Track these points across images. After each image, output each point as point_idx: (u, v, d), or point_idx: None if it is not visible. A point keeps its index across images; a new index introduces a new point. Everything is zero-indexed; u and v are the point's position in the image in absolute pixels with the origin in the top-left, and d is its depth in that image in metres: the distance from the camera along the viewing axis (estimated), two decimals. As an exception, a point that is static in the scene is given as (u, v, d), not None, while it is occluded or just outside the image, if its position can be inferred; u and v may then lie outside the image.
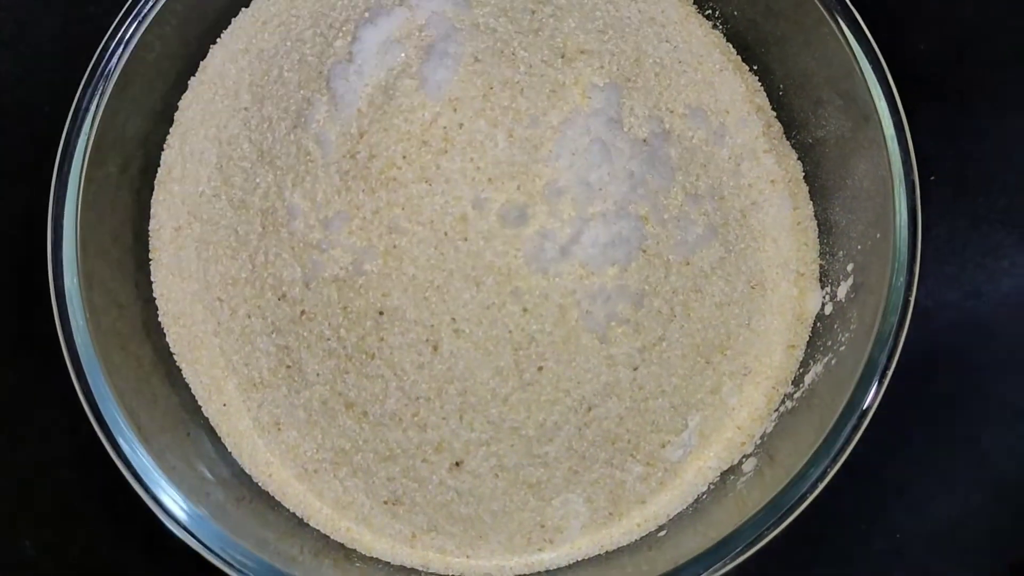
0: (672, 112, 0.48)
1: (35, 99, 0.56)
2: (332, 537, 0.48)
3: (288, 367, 0.47)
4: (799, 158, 0.51)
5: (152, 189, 0.50)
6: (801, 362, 0.49)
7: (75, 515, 0.55)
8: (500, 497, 0.47)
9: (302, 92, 0.47)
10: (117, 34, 0.45)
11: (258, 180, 0.48)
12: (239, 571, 0.43)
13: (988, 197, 0.57)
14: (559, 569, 0.49)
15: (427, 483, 0.47)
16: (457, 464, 0.46)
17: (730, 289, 0.48)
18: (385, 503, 0.47)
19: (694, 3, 0.51)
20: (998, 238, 0.57)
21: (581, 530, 0.48)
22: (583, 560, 0.49)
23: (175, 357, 0.49)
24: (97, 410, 0.44)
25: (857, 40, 0.45)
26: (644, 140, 0.47)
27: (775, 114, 0.51)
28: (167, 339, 0.49)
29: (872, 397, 0.43)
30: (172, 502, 0.44)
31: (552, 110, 0.46)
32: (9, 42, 0.57)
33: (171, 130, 0.50)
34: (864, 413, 0.44)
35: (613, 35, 0.48)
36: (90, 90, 0.45)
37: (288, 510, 0.48)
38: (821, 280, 0.50)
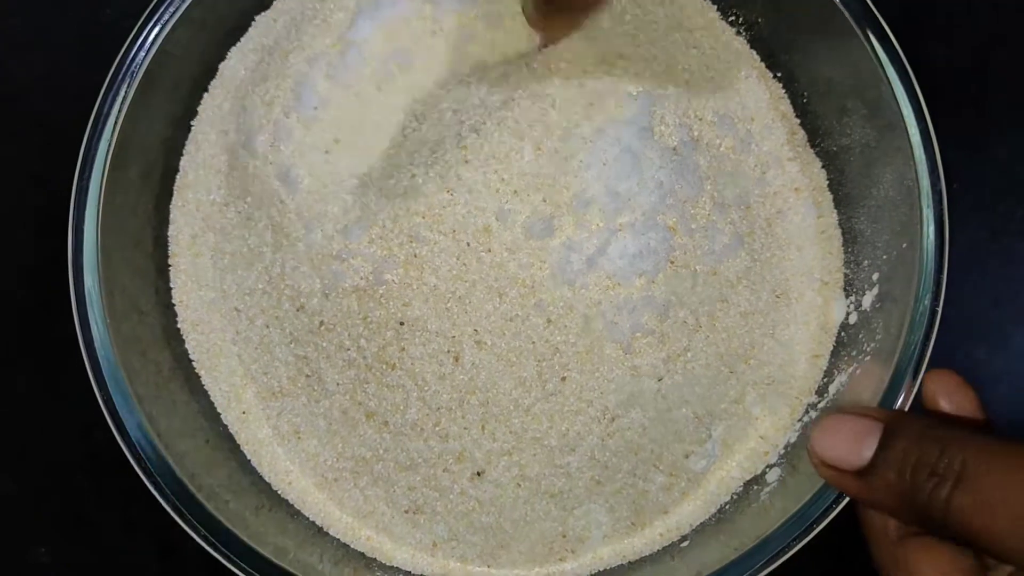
0: (701, 120, 0.48)
1: (52, 104, 0.55)
2: (352, 546, 0.48)
3: (307, 376, 0.47)
4: (823, 166, 0.50)
5: (172, 194, 0.50)
6: (825, 372, 0.49)
7: (90, 522, 0.54)
8: (521, 507, 0.47)
9: (320, 96, 0.47)
10: (139, 38, 0.45)
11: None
12: (257, 581, 0.43)
13: (1010, 206, 0.57)
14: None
15: (448, 492, 0.46)
16: (479, 474, 0.46)
17: (755, 299, 0.48)
18: (406, 512, 0.47)
19: (717, 9, 0.51)
20: (1019, 247, 0.56)
21: (603, 540, 0.48)
22: (605, 570, 0.48)
23: (194, 364, 0.49)
24: (117, 416, 0.43)
25: (884, 48, 0.45)
26: (674, 149, 0.46)
27: (799, 122, 0.51)
28: (186, 346, 0.49)
29: (899, 408, 0.43)
30: (192, 510, 0.43)
31: (585, 122, 0.45)
32: (26, 46, 0.56)
33: (189, 135, 0.50)
34: (890, 425, 0.43)
35: (644, 40, 0.48)
36: (112, 94, 0.45)
37: (307, 518, 0.48)
38: (846, 289, 0.49)
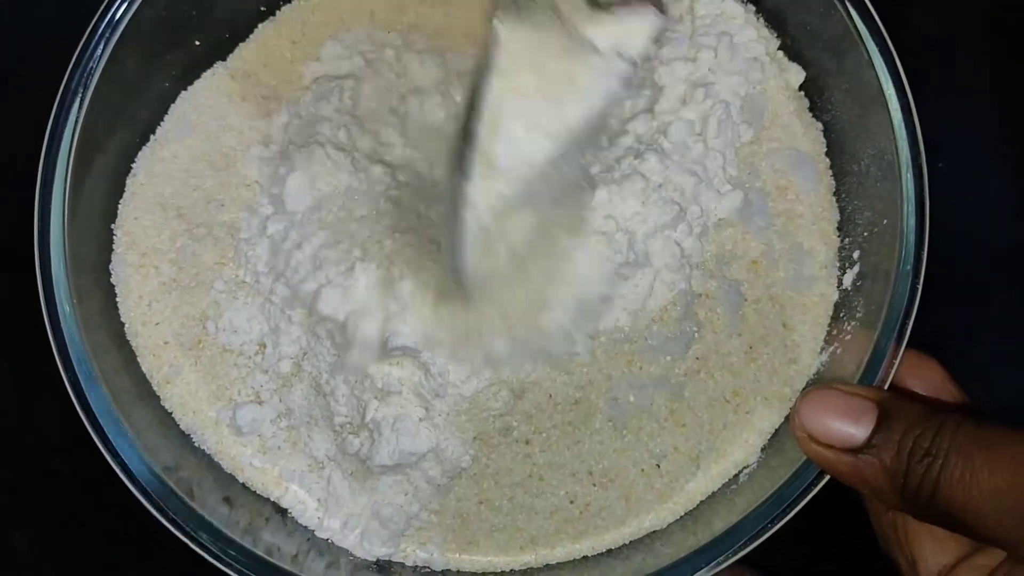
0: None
1: (29, 84, 0.55)
2: (320, 533, 0.46)
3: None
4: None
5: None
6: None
7: (68, 508, 0.54)
8: (485, 521, 0.46)
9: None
10: (106, 17, 0.44)
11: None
12: (230, 565, 0.42)
13: (997, 185, 0.56)
14: (559, 564, 0.47)
15: (417, 494, 0.46)
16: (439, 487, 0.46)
17: (766, 338, 0.47)
18: (374, 500, 0.46)
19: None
20: (1005, 226, 0.56)
21: (575, 537, 0.46)
22: (583, 558, 0.47)
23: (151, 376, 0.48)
24: (85, 401, 0.43)
25: (864, 23, 0.44)
26: None
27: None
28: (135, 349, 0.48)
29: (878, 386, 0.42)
30: (162, 496, 0.43)
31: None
32: (6, 25, 0.56)
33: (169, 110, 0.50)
34: (871, 403, 0.42)
35: None
36: (79, 72, 0.44)
37: (281, 506, 0.47)
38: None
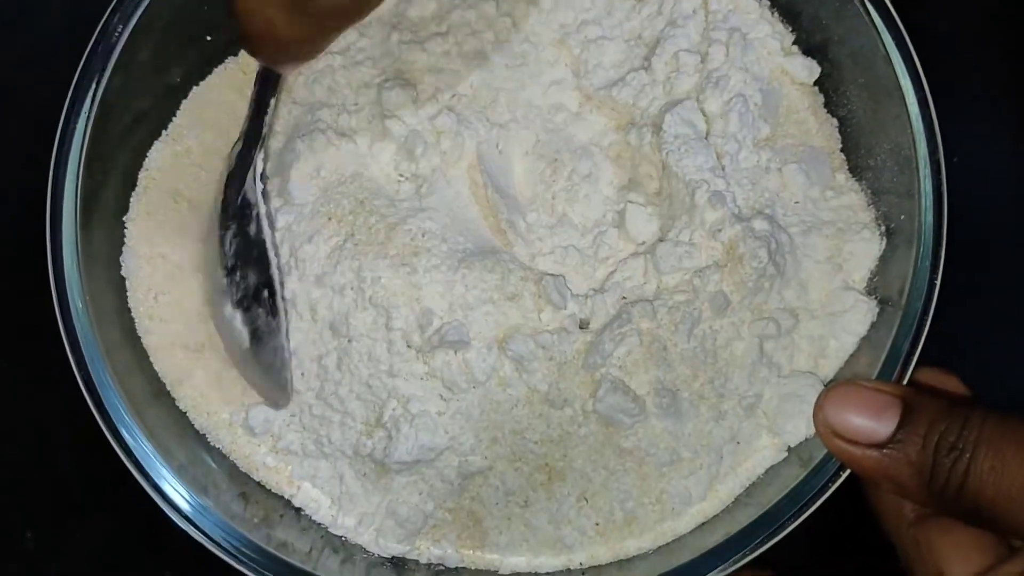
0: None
1: (37, 81, 0.54)
2: (334, 530, 0.46)
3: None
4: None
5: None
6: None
7: (76, 506, 0.54)
8: (499, 520, 0.45)
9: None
10: (118, 12, 0.44)
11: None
12: (243, 562, 0.42)
13: (1009, 180, 0.55)
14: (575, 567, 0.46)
15: (432, 493, 0.45)
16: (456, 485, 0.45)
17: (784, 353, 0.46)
18: (388, 499, 0.46)
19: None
20: (1016, 221, 0.55)
21: (592, 541, 0.46)
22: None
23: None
24: (98, 399, 0.42)
25: (880, 16, 0.44)
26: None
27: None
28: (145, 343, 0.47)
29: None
30: (175, 493, 0.43)
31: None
32: (11, 23, 0.56)
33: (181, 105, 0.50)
34: (887, 401, 0.42)
35: None
36: (91, 67, 0.44)
37: (291, 501, 0.47)
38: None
